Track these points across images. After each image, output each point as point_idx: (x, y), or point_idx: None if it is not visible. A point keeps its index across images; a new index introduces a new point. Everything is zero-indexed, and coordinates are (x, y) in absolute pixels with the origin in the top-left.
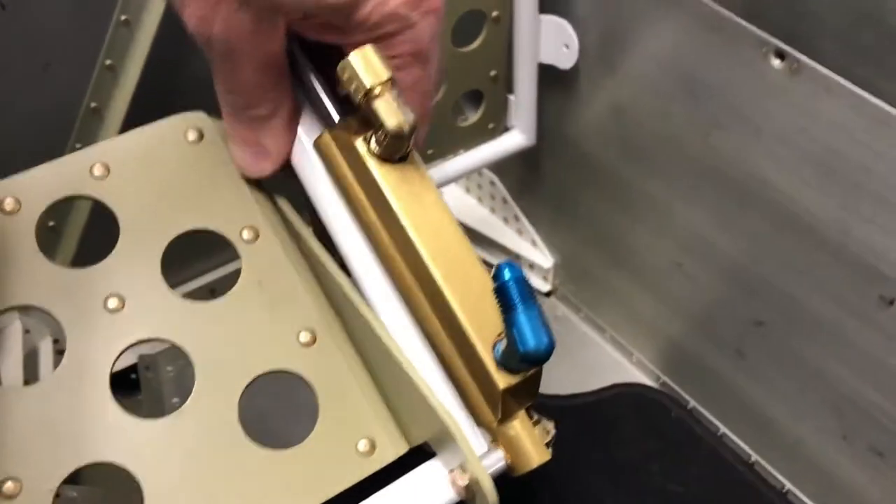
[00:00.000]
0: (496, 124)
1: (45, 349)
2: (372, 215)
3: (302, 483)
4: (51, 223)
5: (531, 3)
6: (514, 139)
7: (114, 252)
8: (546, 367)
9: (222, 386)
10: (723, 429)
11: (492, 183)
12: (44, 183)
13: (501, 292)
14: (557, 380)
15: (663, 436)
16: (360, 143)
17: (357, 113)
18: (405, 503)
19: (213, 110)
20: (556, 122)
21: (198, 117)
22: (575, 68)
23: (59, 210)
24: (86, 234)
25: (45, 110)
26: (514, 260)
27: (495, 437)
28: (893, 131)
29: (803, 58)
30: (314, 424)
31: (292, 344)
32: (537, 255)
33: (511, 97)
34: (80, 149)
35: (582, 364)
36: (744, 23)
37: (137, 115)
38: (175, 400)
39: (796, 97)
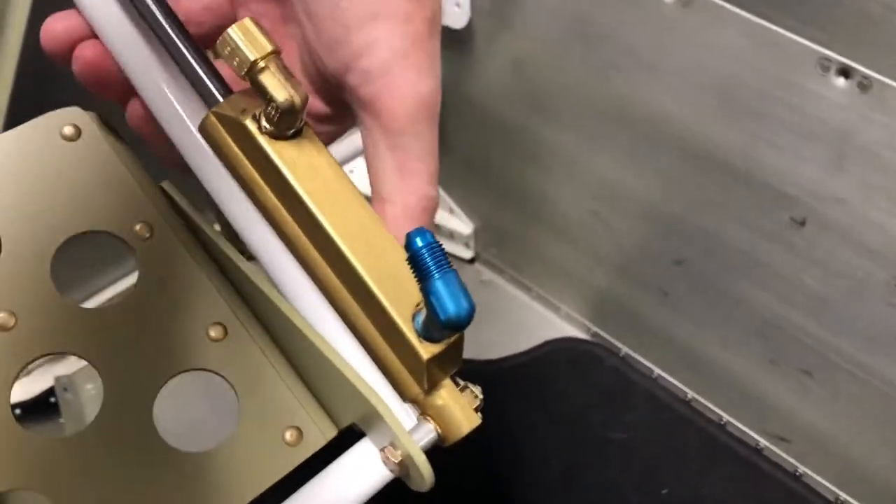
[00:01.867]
0: None
1: None
2: (271, 196)
3: (230, 482)
4: None
5: None
6: None
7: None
8: (476, 332)
9: (133, 393)
10: (657, 371)
11: None
12: None
13: (415, 261)
14: (489, 344)
15: (599, 386)
16: (249, 123)
17: (240, 91)
18: (340, 487)
19: (90, 104)
20: (456, 84)
21: (73, 113)
22: (469, 27)
23: None
24: None
25: None
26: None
27: (423, 410)
28: (787, 54)
29: None
30: (236, 420)
31: (202, 340)
32: (456, 223)
33: None
34: None
35: (512, 325)
36: None
37: (16, 120)
38: (89, 386)
39: (690, 30)
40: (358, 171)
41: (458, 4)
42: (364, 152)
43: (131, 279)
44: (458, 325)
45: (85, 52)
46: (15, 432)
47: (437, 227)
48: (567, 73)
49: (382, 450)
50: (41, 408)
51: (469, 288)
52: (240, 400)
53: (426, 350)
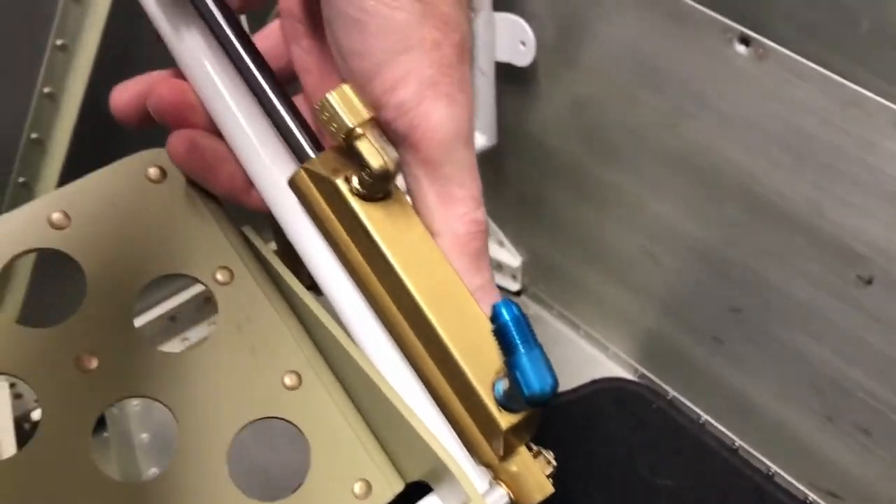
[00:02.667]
0: None
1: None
2: (357, 255)
3: None
4: None
5: (485, 3)
6: (476, 141)
7: (82, 306)
8: None
9: (208, 440)
10: (704, 416)
11: None
12: (0, 237)
13: (501, 334)
14: None
15: (646, 428)
16: (341, 184)
17: (332, 149)
18: None
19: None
20: (516, 120)
21: (159, 154)
22: (533, 65)
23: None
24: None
25: None
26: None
27: (497, 474)
28: (862, 111)
29: (768, 42)
30: (307, 470)
31: (277, 388)
32: (505, 255)
33: None
34: (24, 183)
35: (558, 362)
36: (705, 10)
37: (84, 145)
38: (144, 435)
39: (764, 82)
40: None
41: (523, 43)
42: (407, 189)
43: (170, 303)
44: (542, 402)
45: (161, 92)
46: (94, 476)
47: None
48: (631, 115)
49: None
50: None
51: None
52: (311, 450)
53: (505, 420)
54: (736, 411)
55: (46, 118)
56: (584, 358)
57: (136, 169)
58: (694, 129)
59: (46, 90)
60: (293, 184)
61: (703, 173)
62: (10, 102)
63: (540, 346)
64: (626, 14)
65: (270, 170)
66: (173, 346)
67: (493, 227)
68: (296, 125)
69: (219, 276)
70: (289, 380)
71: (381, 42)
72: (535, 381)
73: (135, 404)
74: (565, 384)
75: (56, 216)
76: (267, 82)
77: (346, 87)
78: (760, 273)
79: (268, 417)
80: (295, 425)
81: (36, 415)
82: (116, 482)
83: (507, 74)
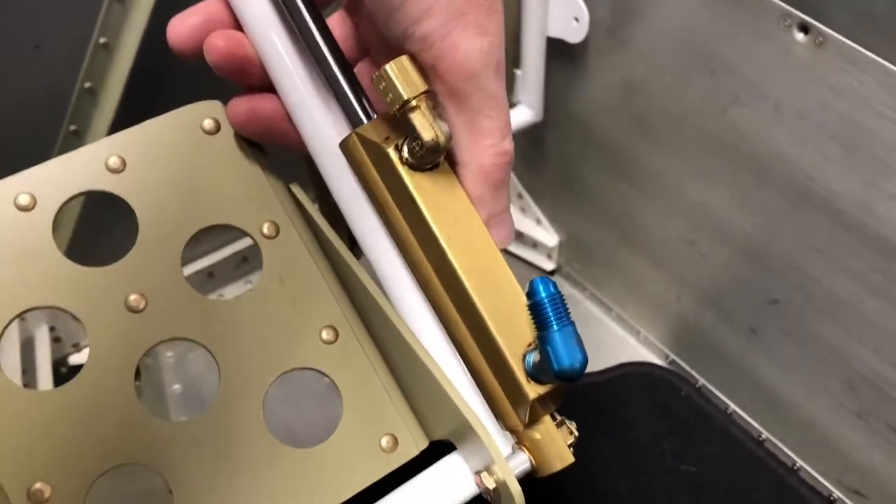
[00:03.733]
0: None
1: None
2: (402, 221)
3: (326, 480)
4: None
5: None
6: (521, 115)
7: (133, 249)
8: None
9: (247, 385)
10: (732, 406)
11: None
12: (58, 177)
13: (536, 310)
14: None
15: (673, 415)
16: (392, 152)
17: (384, 115)
18: (428, 497)
19: (218, 92)
20: (563, 98)
21: (214, 106)
22: (584, 42)
23: None
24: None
25: (37, 93)
26: (517, 238)
27: (520, 440)
28: None
29: (828, 31)
30: (338, 422)
31: (315, 341)
32: (541, 234)
33: (518, 72)
34: (74, 131)
35: (588, 343)
36: None
37: (135, 97)
38: (176, 387)
39: (820, 71)
40: None
41: (576, 19)
42: None
43: (208, 259)
44: (572, 377)
45: (218, 43)
46: (136, 410)
47: (522, 235)
48: (681, 100)
49: (477, 473)
50: None
51: None
52: (344, 402)
53: (533, 390)
54: (765, 403)
55: (100, 68)
56: (615, 341)
57: (192, 119)
58: (744, 116)
59: (102, 40)
60: (344, 147)
61: (750, 162)
62: (65, 51)
63: (573, 324)
64: None
65: (323, 131)
66: None
67: (531, 204)
68: (352, 90)
69: (265, 230)
70: (326, 334)
71: None
72: (565, 357)
73: (169, 355)
74: (594, 366)
75: (113, 160)
76: (326, 45)
77: (405, 59)
78: (802, 266)
79: (304, 368)
80: (329, 377)
81: (74, 359)
82: (157, 420)
83: (557, 50)
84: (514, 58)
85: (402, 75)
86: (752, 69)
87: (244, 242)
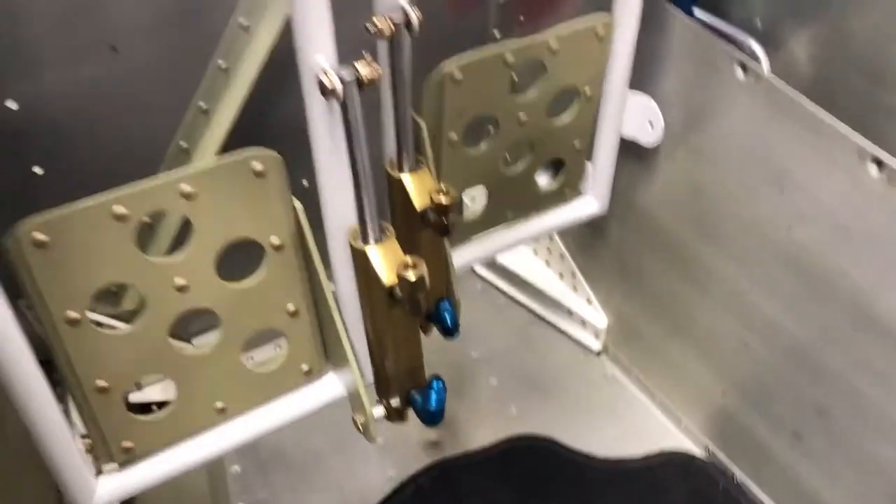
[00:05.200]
0: (572, 190)
1: None
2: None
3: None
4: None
5: (621, 81)
6: (588, 206)
7: (188, 246)
8: (593, 425)
9: (236, 336)
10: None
11: (549, 237)
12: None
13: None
14: (604, 440)
15: None
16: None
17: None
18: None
19: (294, 151)
20: (628, 191)
21: (267, 154)
22: (657, 145)
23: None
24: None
25: (138, 148)
26: (566, 315)
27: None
28: None
29: None
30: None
31: (283, 313)
32: (591, 313)
33: (589, 165)
34: (185, 149)
35: (630, 426)
36: (844, 129)
37: (243, 122)
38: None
39: (892, 204)
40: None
41: (651, 123)
42: None
43: None
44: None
45: None
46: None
47: (571, 313)
48: (748, 210)
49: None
50: None
51: (592, 380)
52: (289, 347)
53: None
54: None
55: (216, 91)
56: (657, 427)
57: (247, 163)
58: (810, 233)
59: (222, 64)
60: (352, 246)
61: (812, 277)
62: (185, 72)
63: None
64: (758, 115)
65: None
66: None
67: (584, 284)
68: (370, 209)
69: (273, 241)
70: (291, 307)
71: None
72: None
73: None
74: (634, 450)
75: (186, 188)
76: None
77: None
78: (855, 382)
79: (271, 329)
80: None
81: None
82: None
83: (628, 147)
84: (587, 152)
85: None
86: (822, 191)
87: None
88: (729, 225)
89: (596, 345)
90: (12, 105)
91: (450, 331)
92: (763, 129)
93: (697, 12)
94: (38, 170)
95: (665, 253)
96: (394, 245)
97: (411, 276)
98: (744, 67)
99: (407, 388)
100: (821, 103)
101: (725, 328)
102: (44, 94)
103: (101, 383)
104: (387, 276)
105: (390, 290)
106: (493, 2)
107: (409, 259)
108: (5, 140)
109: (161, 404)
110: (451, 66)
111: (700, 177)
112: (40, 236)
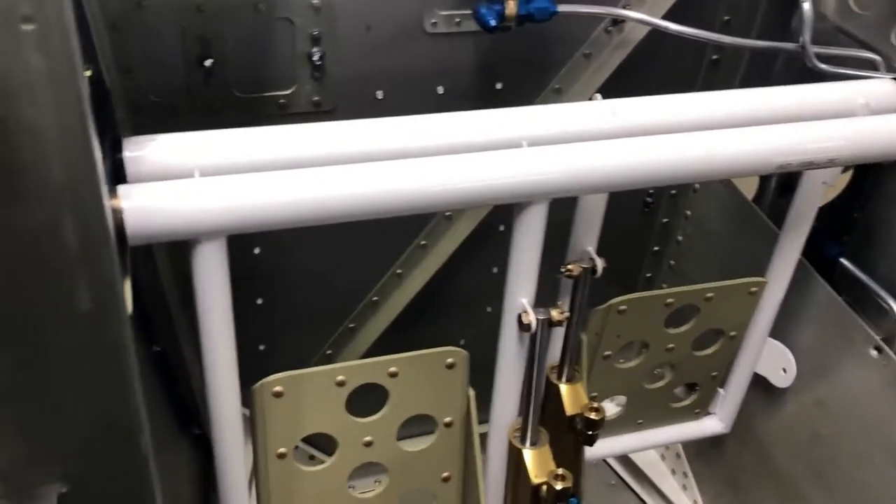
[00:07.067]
0: (701, 409)
1: None
2: None
3: None
4: None
5: (763, 330)
6: (713, 426)
7: (384, 412)
8: None
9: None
10: None
11: None
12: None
13: None
14: None
15: None
16: None
17: None
18: None
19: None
20: (752, 415)
21: (458, 351)
22: (789, 387)
23: None
24: None
25: (338, 295)
26: None
27: None
28: None
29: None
30: None
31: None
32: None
33: (721, 391)
34: (375, 301)
35: None
36: None
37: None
38: None
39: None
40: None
41: (784, 369)
42: None
43: None
44: None
45: None
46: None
47: (664, 497)
48: (860, 472)
49: None
50: None
51: None
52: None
53: None
54: None
55: (389, 290)
56: None
57: (443, 356)
58: None
59: (398, 271)
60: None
61: None
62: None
63: None
64: (886, 392)
65: None
66: None
67: (693, 485)
68: None
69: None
70: (446, 473)
71: None
72: None
73: None
74: None
75: (393, 368)
76: None
77: None
78: None
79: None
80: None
81: None
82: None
83: (760, 377)
84: (721, 380)
85: None
86: None
87: None
88: (840, 479)
89: None
90: (256, 250)
91: None
92: (887, 405)
93: (844, 261)
94: (259, 301)
95: (775, 481)
96: (546, 452)
97: (559, 486)
98: (878, 349)
99: None
100: None
101: None
102: (282, 245)
103: None
104: (536, 476)
105: (536, 489)
106: (649, 250)
107: (560, 471)
108: (245, 277)
109: None
110: (617, 301)
111: (820, 427)
112: (279, 388)
